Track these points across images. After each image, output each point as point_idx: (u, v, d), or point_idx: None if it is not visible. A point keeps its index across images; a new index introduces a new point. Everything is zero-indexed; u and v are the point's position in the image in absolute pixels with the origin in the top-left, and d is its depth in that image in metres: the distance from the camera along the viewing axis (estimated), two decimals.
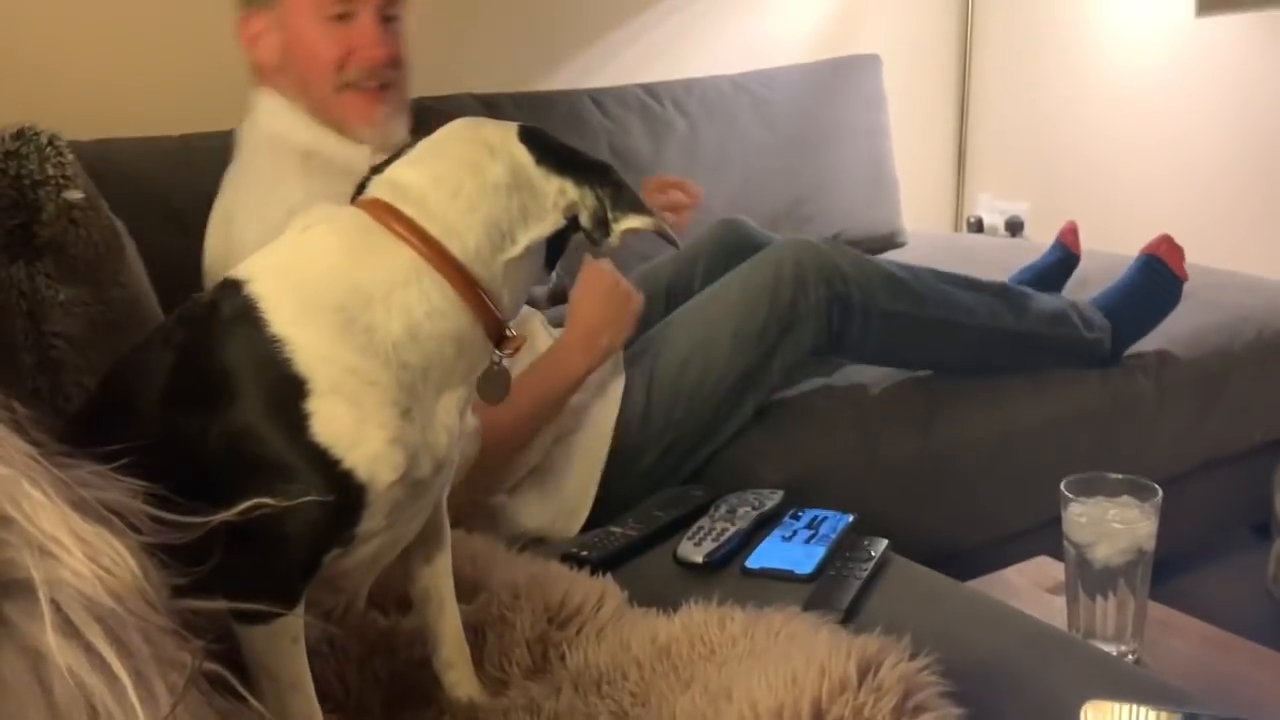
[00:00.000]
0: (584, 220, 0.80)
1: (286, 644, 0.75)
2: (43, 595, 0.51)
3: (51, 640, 0.50)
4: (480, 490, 1.34)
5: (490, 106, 2.15)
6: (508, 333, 0.81)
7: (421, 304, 0.76)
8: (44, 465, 0.55)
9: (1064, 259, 2.01)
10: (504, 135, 0.81)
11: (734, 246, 1.71)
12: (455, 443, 0.82)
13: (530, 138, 0.81)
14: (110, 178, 1.39)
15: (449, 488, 0.90)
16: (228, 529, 0.66)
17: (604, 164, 0.82)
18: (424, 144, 0.83)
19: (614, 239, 0.81)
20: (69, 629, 0.51)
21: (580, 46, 2.47)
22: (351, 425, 0.72)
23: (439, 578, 0.94)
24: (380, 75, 1.39)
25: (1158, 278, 1.78)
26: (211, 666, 0.57)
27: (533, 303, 0.88)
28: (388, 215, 0.77)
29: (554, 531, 1.42)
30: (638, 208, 0.80)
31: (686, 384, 1.49)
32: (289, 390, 0.72)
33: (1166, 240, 1.81)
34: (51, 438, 0.62)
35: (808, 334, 1.51)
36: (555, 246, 0.84)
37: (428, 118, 2.06)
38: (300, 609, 0.76)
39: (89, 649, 0.51)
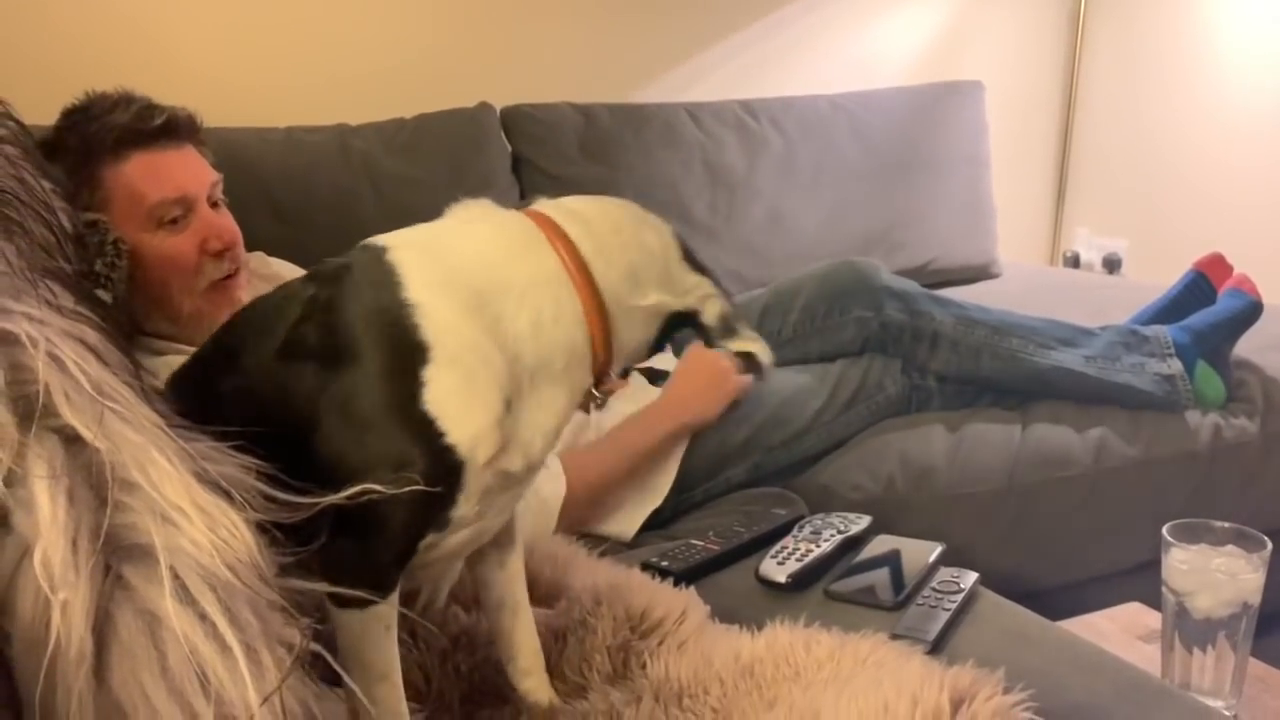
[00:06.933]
0: (708, 318, 0.86)
1: (380, 632, 0.76)
2: (163, 561, 0.52)
3: (169, 605, 0.51)
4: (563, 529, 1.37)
5: (587, 116, 2.17)
6: (611, 373, 0.84)
7: (551, 306, 0.79)
8: (169, 435, 0.56)
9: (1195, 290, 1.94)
10: (665, 224, 0.88)
11: (844, 288, 1.68)
12: (548, 448, 0.83)
13: (679, 237, 0.88)
14: (218, 165, 1.42)
15: (524, 496, 0.90)
16: (331, 509, 0.67)
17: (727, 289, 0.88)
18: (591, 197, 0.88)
19: (732, 346, 0.86)
20: (186, 596, 0.52)
21: (679, 60, 2.47)
22: (461, 401, 0.74)
23: (513, 583, 0.94)
24: (236, 258, 1.35)
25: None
26: (315, 646, 0.58)
27: None
28: (549, 227, 0.81)
29: (610, 531, 1.43)
30: (759, 336, 0.87)
31: (783, 411, 1.57)
32: (410, 355, 0.73)
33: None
34: (170, 409, 0.64)
35: (895, 387, 1.64)
36: (664, 335, 0.88)
37: (524, 124, 2.12)
38: (395, 598, 0.76)
39: (203, 617, 0.52)
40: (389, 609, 0.76)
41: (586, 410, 0.88)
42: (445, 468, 0.74)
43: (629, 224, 0.85)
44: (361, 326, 0.74)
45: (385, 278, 0.76)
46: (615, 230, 0.83)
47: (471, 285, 0.77)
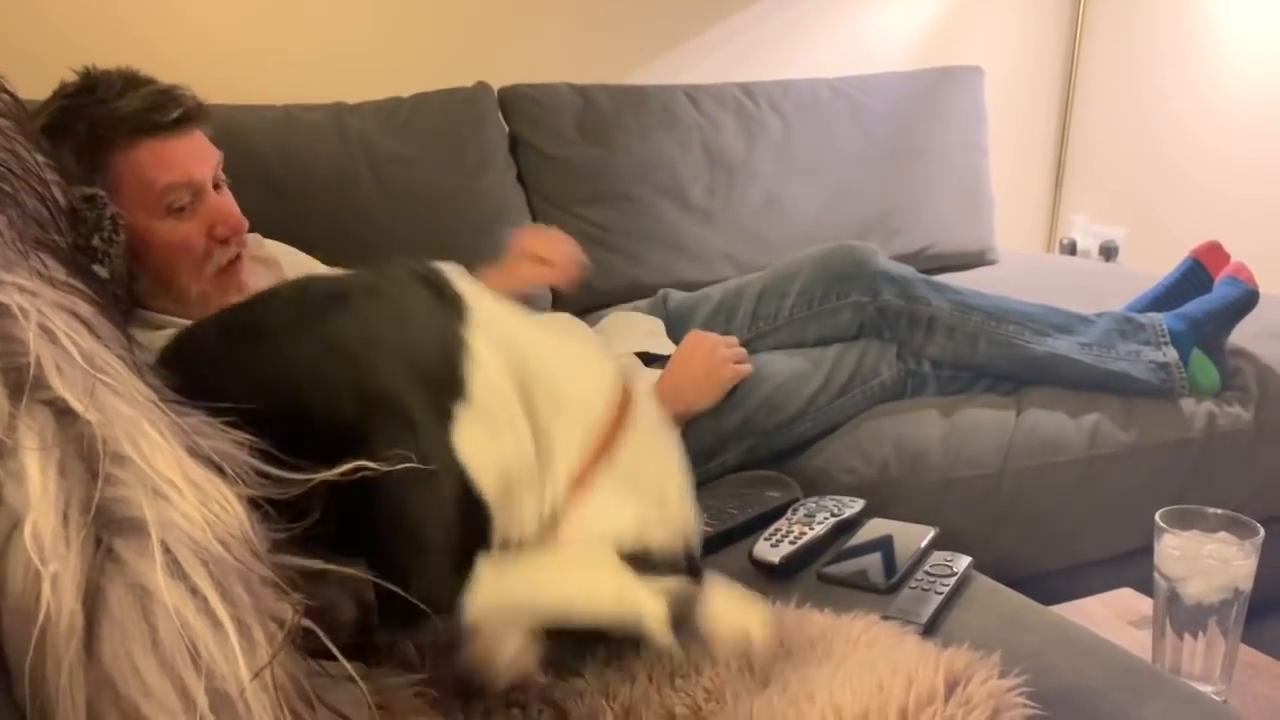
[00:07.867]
0: None
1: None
2: (154, 535, 0.52)
3: (160, 580, 0.51)
4: None
5: (585, 97, 2.16)
6: None
7: None
8: (162, 409, 0.56)
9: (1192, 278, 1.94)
10: None
11: (841, 272, 1.68)
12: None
13: None
14: (216, 141, 1.41)
15: None
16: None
17: None
18: None
19: None
20: (177, 570, 0.52)
21: (678, 41, 2.46)
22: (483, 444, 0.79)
23: None
24: (242, 242, 1.35)
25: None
26: (307, 623, 0.58)
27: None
28: None
29: None
30: None
31: (778, 395, 1.57)
32: (451, 387, 0.79)
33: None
34: (164, 384, 0.63)
35: (890, 372, 1.64)
36: None
37: (522, 104, 2.11)
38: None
39: (195, 592, 0.52)
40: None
41: None
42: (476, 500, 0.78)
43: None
44: (419, 332, 0.80)
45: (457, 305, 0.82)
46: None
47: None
